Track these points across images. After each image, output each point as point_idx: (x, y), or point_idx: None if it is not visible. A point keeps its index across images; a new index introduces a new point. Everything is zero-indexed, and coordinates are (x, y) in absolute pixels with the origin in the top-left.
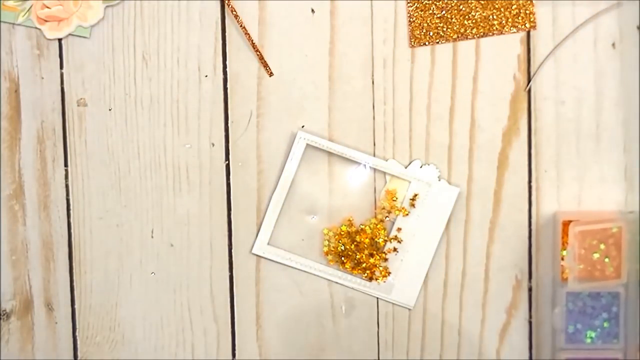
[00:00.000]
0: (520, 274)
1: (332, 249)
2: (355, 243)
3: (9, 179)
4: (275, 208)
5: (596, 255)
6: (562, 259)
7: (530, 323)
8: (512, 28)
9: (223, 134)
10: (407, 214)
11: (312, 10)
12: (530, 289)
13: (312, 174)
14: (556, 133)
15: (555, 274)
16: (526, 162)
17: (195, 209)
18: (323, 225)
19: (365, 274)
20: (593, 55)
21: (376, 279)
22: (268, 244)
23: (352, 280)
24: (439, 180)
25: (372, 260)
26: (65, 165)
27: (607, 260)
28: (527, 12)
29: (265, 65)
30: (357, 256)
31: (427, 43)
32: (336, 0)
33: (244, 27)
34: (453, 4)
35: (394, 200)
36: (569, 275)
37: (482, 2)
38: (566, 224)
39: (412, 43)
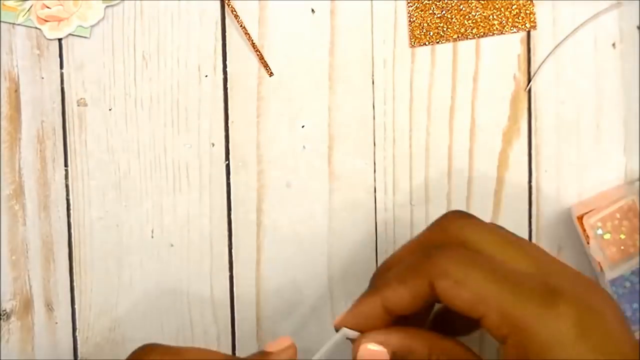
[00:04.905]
0: None
1: None
2: None
3: (9, 179)
4: None
5: (622, 236)
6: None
7: None
8: (512, 28)
9: (223, 134)
10: None
11: (312, 10)
12: None
13: None
14: (556, 133)
15: (591, 267)
16: (526, 162)
17: (195, 209)
18: None
19: None
20: (593, 55)
21: None
22: None
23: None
24: None
25: None
26: (65, 165)
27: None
28: (527, 12)
29: (265, 65)
30: None
31: (427, 43)
32: (336, 0)
33: (244, 27)
34: (453, 4)
35: None
36: (602, 264)
37: (482, 2)
38: (580, 219)
39: (412, 43)
